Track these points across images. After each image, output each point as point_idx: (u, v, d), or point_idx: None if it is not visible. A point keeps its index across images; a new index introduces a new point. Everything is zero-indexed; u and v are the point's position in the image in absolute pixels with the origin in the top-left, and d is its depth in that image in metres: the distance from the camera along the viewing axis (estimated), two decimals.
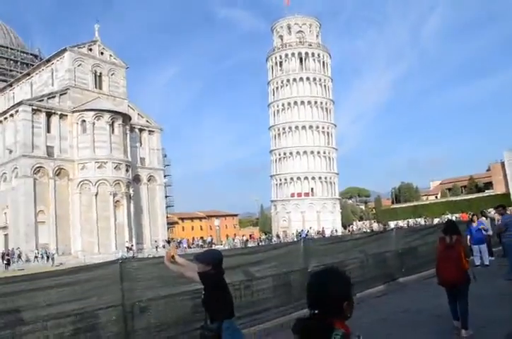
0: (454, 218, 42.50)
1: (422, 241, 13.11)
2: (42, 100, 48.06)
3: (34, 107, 46.76)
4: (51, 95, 49.04)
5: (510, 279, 10.21)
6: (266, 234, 65.44)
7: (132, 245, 45.66)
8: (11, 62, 74.20)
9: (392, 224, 58.65)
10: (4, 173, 48.23)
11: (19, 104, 47.08)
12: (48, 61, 54.47)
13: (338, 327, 1.95)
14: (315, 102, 69.46)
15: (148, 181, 55.57)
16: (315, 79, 70.16)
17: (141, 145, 55.83)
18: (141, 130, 56.30)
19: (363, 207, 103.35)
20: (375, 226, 62.33)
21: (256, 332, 7.20)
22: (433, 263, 11.93)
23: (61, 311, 5.61)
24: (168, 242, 50.33)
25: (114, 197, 47.85)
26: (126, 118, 51.74)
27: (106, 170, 47.99)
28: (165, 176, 59.96)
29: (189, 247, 50.46)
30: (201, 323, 4.24)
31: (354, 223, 77.48)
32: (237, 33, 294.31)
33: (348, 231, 61.91)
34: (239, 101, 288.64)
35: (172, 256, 4.36)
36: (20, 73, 63.03)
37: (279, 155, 70.91)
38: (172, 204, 66.38)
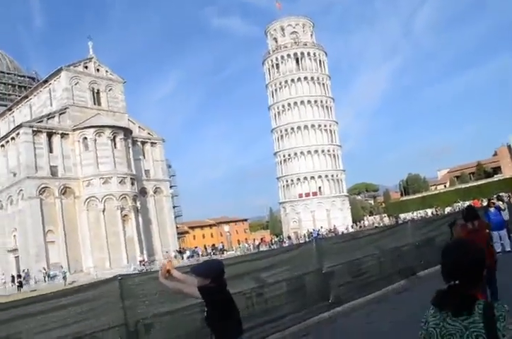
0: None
1: (438, 231, 12.56)
2: (42, 121, 47.74)
3: (34, 129, 46.48)
4: (50, 115, 48.74)
5: None
6: (277, 237, 64.74)
7: (144, 259, 45.13)
8: (9, 86, 74.41)
9: (402, 216, 57.86)
10: (10, 196, 48.05)
11: (19, 126, 46.80)
12: (45, 81, 54.27)
13: (479, 297, 1.90)
14: (315, 101, 68.98)
15: (155, 192, 55.13)
16: (312, 78, 69.76)
17: (144, 158, 55.41)
18: (143, 142, 55.94)
19: (372, 202, 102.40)
20: (386, 220, 61.58)
21: None
22: None
23: (60, 335, 5.15)
24: (180, 252, 49.79)
25: (121, 211, 47.44)
26: (127, 132, 51.43)
27: (111, 185, 47.62)
28: (171, 186, 59.52)
29: (203, 255, 49.83)
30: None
31: (365, 218, 76.65)
32: (232, 41, 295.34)
33: (360, 227, 61.21)
34: (239, 107, 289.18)
35: (168, 271, 3.71)
36: (19, 96, 62.92)
37: (284, 156, 70.40)
38: (180, 214, 66.04)
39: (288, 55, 70.58)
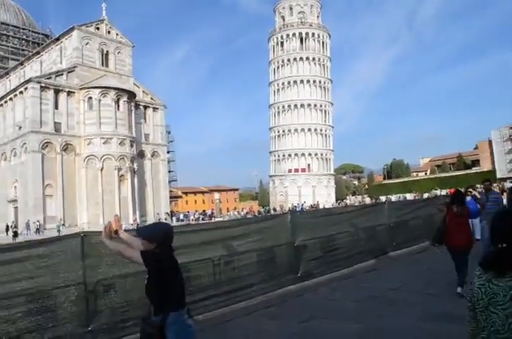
0: (444, 193, 41.55)
1: (413, 214, 12.19)
2: (50, 77, 46.69)
3: (42, 84, 45.47)
4: (59, 73, 47.65)
5: None
6: (264, 208, 64.74)
7: (136, 219, 44.87)
8: (23, 41, 72.57)
9: (383, 199, 57.77)
10: (14, 148, 47.36)
11: (28, 81, 45.72)
12: (57, 39, 52.95)
13: None
14: (314, 81, 67.70)
15: (152, 156, 54.52)
16: (314, 59, 68.22)
17: (145, 122, 54.54)
18: (145, 107, 54.91)
19: (356, 182, 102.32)
20: (368, 200, 61.51)
21: (236, 310, 6.29)
22: (423, 238, 11.06)
23: (10, 291, 4.68)
24: (170, 215, 49.49)
25: (118, 171, 46.90)
26: (131, 95, 50.36)
27: (111, 145, 46.94)
28: (168, 151, 58.79)
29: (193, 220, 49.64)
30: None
31: (348, 197, 76.66)
32: (244, 16, 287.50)
33: (342, 205, 61.12)
34: (243, 81, 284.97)
35: (116, 231, 3.15)
36: (31, 52, 61.23)
37: (278, 132, 69.60)
38: (175, 179, 65.39)
39: (294, 34, 68.74)
